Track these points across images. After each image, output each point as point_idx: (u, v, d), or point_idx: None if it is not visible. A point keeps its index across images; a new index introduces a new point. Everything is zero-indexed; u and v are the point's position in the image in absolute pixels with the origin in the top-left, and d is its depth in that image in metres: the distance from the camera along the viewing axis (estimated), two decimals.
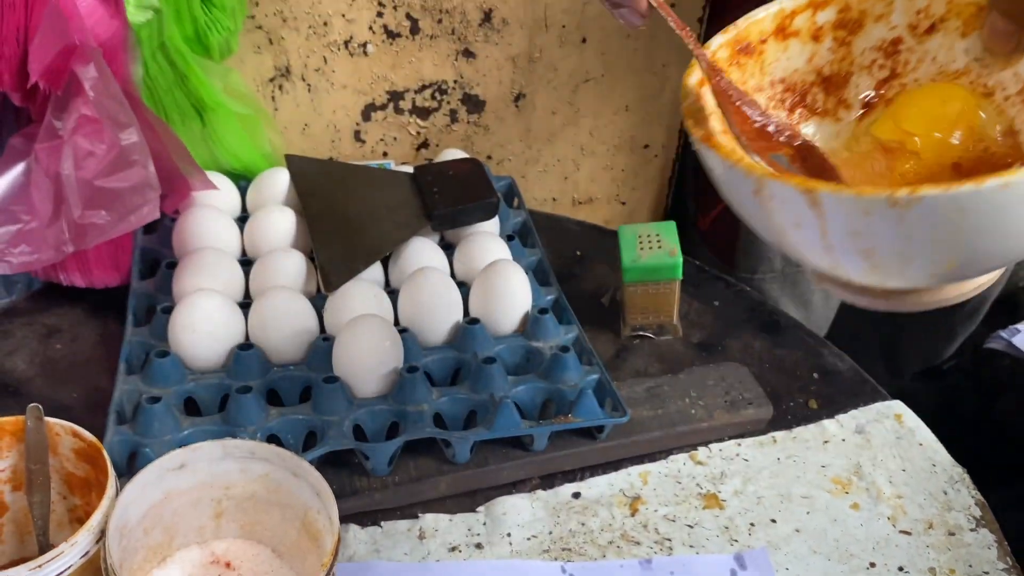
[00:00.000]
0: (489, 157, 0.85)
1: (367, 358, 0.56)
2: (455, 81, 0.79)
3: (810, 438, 0.62)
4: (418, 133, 0.82)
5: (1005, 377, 1.16)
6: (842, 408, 0.64)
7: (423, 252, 0.66)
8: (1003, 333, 1.09)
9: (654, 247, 0.66)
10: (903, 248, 0.32)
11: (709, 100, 0.39)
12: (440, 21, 0.76)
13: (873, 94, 0.43)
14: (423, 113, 0.81)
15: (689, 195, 0.94)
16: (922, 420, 0.64)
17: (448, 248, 0.69)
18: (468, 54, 0.78)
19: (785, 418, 0.63)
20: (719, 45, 0.41)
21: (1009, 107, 0.40)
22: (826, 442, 0.61)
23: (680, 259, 0.65)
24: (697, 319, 0.71)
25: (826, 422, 0.63)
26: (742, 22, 0.41)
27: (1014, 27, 0.39)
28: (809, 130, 0.43)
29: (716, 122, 0.39)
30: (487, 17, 0.76)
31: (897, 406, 0.65)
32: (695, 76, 0.39)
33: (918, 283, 0.36)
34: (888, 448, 0.61)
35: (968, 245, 0.31)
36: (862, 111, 0.43)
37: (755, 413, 0.62)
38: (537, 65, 0.80)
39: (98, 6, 0.58)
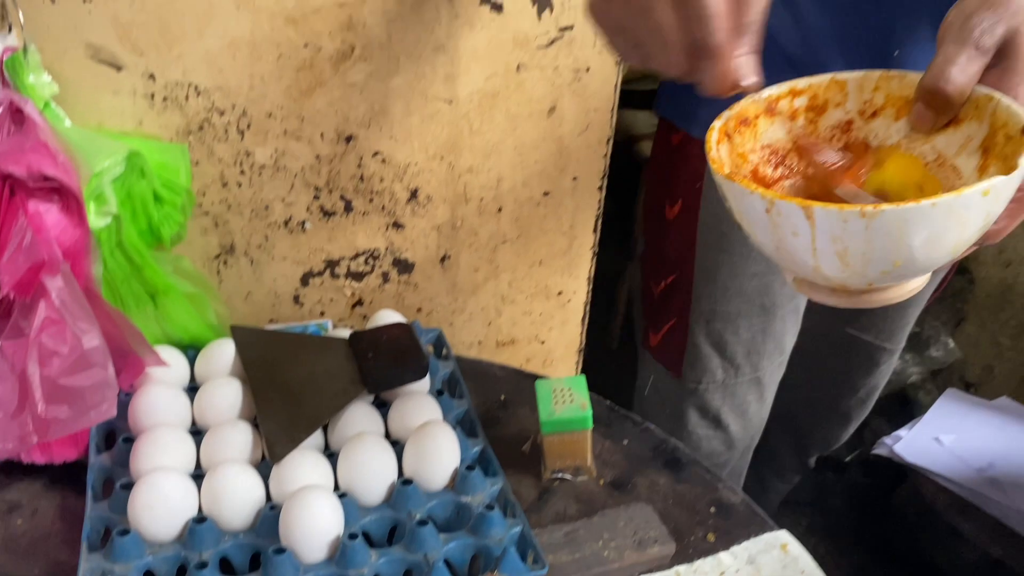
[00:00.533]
0: (419, 310, 0.93)
1: (311, 528, 0.62)
2: (386, 248, 0.88)
3: (709, 570, 0.70)
4: (353, 294, 0.90)
5: (897, 473, 1.28)
6: (736, 540, 0.72)
7: (359, 417, 0.73)
8: (887, 440, 1.20)
9: (567, 401, 0.74)
10: (866, 249, 0.45)
11: (724, 155, 0.53)
12: (371, 200, 0.85)
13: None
14: (357, 276, 0.89)
15: (639, 318, 1.06)
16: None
17: (383, 406, 0.76)
18: (397, 226, 0.87)
19: (687, 552, 0.71)
20: (727, 118, 0.54)
21: (928, 172, 0.53)
22: (722, 573, 0.70)
23: (590, 411, 0.73)
24: (609, 458, 0.79)
25: (722, 554, 0.71)
26: (744, 102, 0.55)
27: (932, 114, 0.51)
28: (788, 183, 0.57)
29: (731, 168, 0.53)
30: (413, 195, 0.86)
31: (783, 535, 0.73)
32: (713, 138, 0.52)
33: (873, 280, 0.48)
34: None
35: (908, 247, 0.44)
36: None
37: (660, 550, 0.70)
38: (459, 231, 0.90)
39: (63, 218, 0.66)
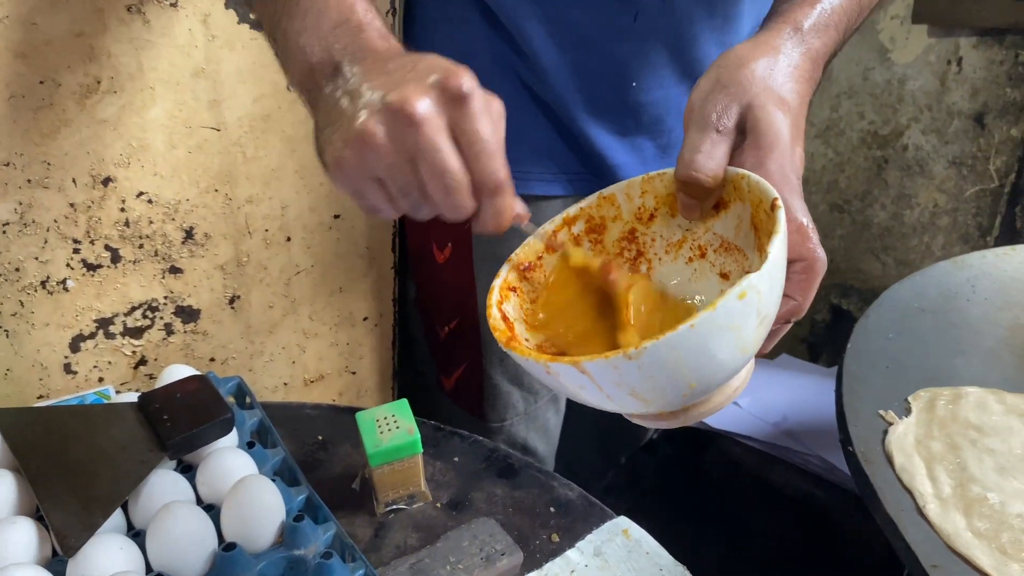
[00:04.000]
0: (212, 359, 0.85)
1: None
2: (165, 297, 0.80)
3: (559, 572, 0.69)
4: (134, 352, 0.81)
5: (702, 441, 1.35)
6: (580, 535, 0.72)
7: (163, 486, 0.65)
8: None
9: (392, 428, 0.71)
10: (653, 384, 0.42)
11: (509, 312, 0.50)
12: (141, 246, 0.76)
13: (629, 267, 0.56)
14: (136, 333, 0.80)
15: (428, 361, 1.00)
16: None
17: (188, 470, 0.69)
18: (175, 270, 0.79)
19: (534, 557, 0.70)
20: (507, 271, 0.51)
21: (719, 258, 0.53)
22: (572, 572, 0.69)
23: (418, 435, 0.70)
24: (442, 479, 0.77)
25: (569, 552, 0.70)
26: (520, 250, 0.52)
27: (695, 202, 0.51)
28: None
29: (513, 330, 0.50)
30: (189, 235, 0.79)
31: (623, 521, 0.74)
32: (494, 300, 0.50)
33: (682, 402, 0.45)
34: (622, 564, 0.70)
35: (692, 369, 0.42)
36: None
37: (508, 562, 0.68)
38: (246, 268, 0.83)
39: None
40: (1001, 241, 1.19)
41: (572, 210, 0.55)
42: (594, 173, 0.84)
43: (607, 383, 0.43)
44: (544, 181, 0.84)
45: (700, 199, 0.51)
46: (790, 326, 0.52)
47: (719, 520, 1.29)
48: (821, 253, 0.50)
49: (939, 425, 0.71)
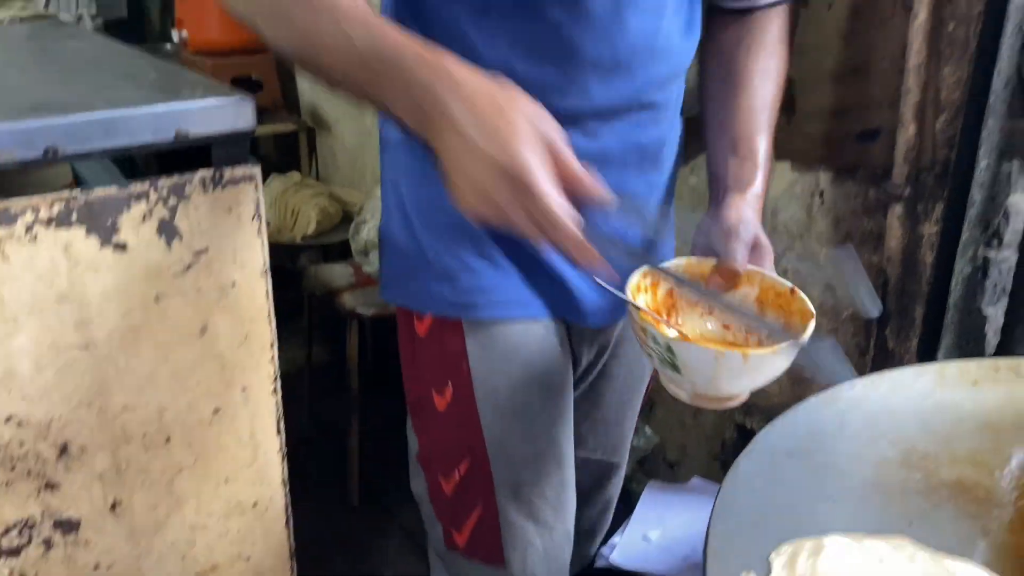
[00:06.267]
0: (96, 567, 0.84)
1: None
2: (42, 513, 0.80)
3: None
4: (11, 572, 0.80)
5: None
6: None
7: None
8: (604, 550, 1.27)
9: None
10: (754, 376, 0.75)
11: (665, 331, 0.76)
12: (13, 468, 0.77)
13: (666, 313, 0.84)
14: (13, 552, 0.79)
15: (434, 524, 1.00)
16: None
17: None
18: (51, 486, 0.80)
19: None
20: (633, 283, 0.79)
21: (721, 315, 0.84)
22: None
23: None
24: None
25: None
26: (634, 276, 0.79)
27: (723, 281, 0.82)
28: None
29: (671, 329, 0.80)
30: (64, 451, 0.79)
31: None
32: (631, 291, 0.78)
33: (744, 390, 0.78)
34: None
35: (758, 377, 0.76)
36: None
37: None
38: (127, 473, 0.84)
39: None
40: (877, 360, 1.25)
41: (645, 274, 0.80)
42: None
43: (739, 369, 0.73)
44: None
45: (727, 280, 0.80)
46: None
47: None
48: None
49: None
